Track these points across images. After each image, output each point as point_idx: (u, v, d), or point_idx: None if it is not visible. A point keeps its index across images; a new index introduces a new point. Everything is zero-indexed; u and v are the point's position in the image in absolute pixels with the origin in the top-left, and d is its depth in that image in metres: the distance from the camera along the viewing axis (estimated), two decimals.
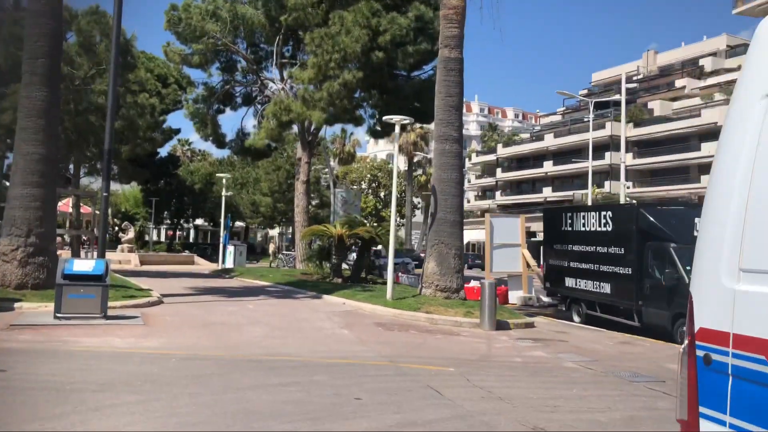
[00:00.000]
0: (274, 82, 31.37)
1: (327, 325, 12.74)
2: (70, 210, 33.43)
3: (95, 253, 15.00)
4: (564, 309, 17.25)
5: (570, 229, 16.90)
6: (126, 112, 24.71)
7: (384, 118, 16.44)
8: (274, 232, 69.26)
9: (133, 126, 25.98)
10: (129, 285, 16.83)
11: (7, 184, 42.74)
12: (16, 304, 12.74)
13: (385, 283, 21.87)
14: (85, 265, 11.38)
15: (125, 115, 24.69)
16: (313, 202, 37.44)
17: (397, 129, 16.51)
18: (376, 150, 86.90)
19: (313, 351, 9.78)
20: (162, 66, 39.57)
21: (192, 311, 13.85)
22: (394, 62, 25.57)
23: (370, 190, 57.02)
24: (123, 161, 31.45)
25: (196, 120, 32.74)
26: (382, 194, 60.00)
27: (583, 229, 16.19)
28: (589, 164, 34.13)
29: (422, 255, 53.53)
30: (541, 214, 21.66)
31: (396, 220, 52.89)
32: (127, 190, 55.96)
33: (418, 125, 46.66)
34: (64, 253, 23.56)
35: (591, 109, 35.50)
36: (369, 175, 59.74)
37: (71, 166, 28.97)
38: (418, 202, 64.18)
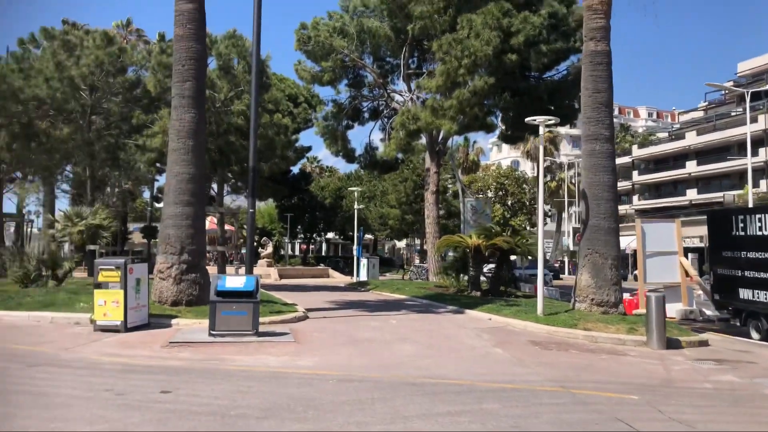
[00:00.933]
0: (400, 94, 31.27)
1: (478, 343, 11.95)
2: (216, 227, 35.18)
3: (241, 269, 15.16)
4: (738, 324, 15.28)
5: (744, 233, 14.93)
6: (264, 131, 25.47)
7: (526, 120, 15.43)
8: (402, 243, 69.43)
9: (272, 145, 26.79)
10: (274, 300, 17.02)
11: (157, 204, 46.16)
12: (173, 321, 13.15)
13: (525, 297, 20.83)
14: (236, 281, 11.43)
15: (264, 134, 25.46)
16: (440, 212, 36.93)
17: (542, 130, 15.44)
18: (500, 157, 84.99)
19: (472, 373, 9.04)
20: (292, 86, 40.89)
21: (337, 327, 13.61)
22: (527, 63, 24.44)
23: (496, 199, 55.50)
24: (262, 179, 32.56)
25: (327, 136, 33.40)
26: (509, 202, 58.24)
27: (762, 233, 14.22)
28: (748, 161, 30.73)
29: (556, 265, 51.48)
30: (690, 218, 19.53)
31: (526, 228, 51.06)
32: (262, 206, 58.55)
33: (546, 129, 44.65)
34: (210, 269, 24.62)
35: (747, 99, 32.04)
36: (495, 183, 58.22)
37: (214, 185, 30.41)
38: (549, 209, 61.67)
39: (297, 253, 66.03)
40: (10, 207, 31.03)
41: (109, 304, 12.21)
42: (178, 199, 14.55)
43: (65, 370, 8.48)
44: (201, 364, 9.07)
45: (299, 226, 56.96)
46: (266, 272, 35.49)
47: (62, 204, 48.25)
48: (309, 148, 46.98)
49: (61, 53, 22.69)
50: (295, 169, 53.31)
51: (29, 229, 31.78)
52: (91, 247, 22.44)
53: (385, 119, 33.83)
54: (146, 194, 47.80)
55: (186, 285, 14.38)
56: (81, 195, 34.12)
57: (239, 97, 24.80)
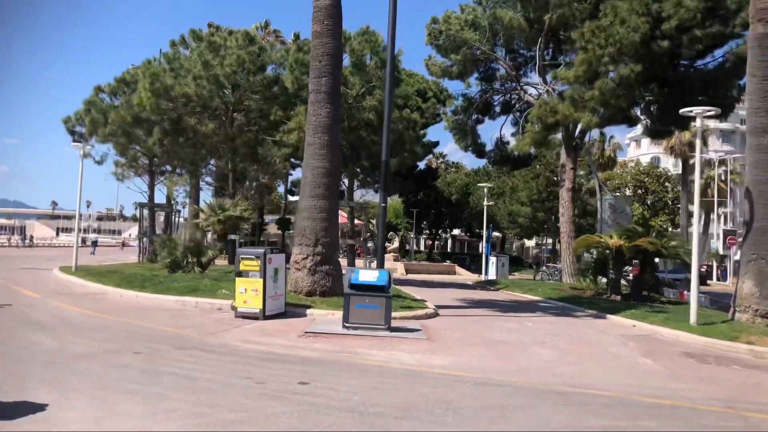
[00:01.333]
0: (534, 87, 30.16)
1: (623, 352, 11.03)
2: (346, 221, 36.01)
3: (372, 263, 15.11)
4: None
5: None
6: (394, 126, 25.51)
7: (681, 111, 14.04)
8: (531, 242, 67.37)
9: (401, 139, 26.83)
10: (403, 295, 16.91)
11: (290, 197, 48.01)
12: (308, 311, 13.38)
13: (670, 303, 19.18)
14: (369, 275, 11.36)
15: (394, 129, 25.50)
16: (575, 211, 35.05)
17: (699, 122, 13.98)
18: (638, 154, 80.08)
19: (621, 385, 8.27)
20: (421, 81, 40.77)
21: (470, 326, 13.19)
22: (677, 51, 22.47)
23: (635, 197, 52.11)
24: (391, 174, 32.75)
25: (456, 131, 33.01)
26: (649, 201, 54.54)
27: None
28: None
29: (703, 270, 47.41)
30: None
31: (668, 230, 47.45)
32: (388, 201, 59.21)
33: (693, 124, 41.13)
34: (341, 262, 25.11)
35: None
36: (634, 181, 54.72)
37: (345, 180, 31.03)
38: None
39: (422, 248, 66.20)
40: (160, 198, 33.44)
41: (249, 292, 12.63)
42: (314, 193, 14.81)
43: (209, 354, 8.78)
44: (336, 356, 9.04)
45: (424, 222, 56.95)
46: (393, 267, 35.78)
47: (206, 196, 51.67)
48: (436, 144, 46.71)
49: (207, 53, 24.11)
50: (422, 165, 53.34)
51: (177, 219, 34.16)
52: (232, 236, 23.66)
53: (518, 113, 32.81)
54: (281, 188, 49.93)
55: (320, 276, 14.62)
56: (222, 188, 36.25)
57: (371, 92, 25.01)
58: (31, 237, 63.55)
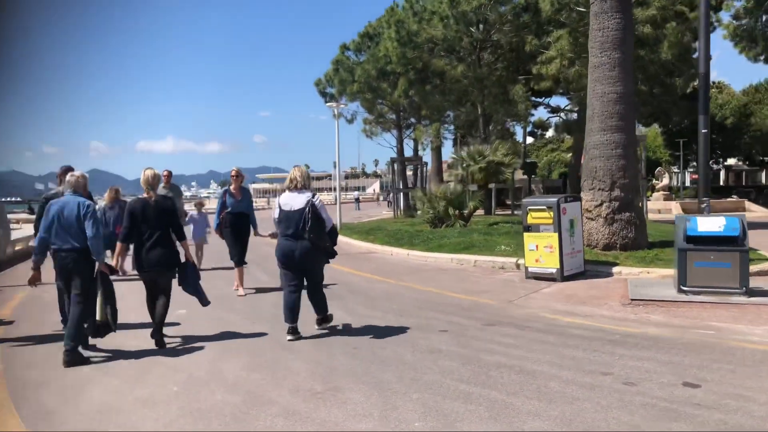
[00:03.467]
0: None
1: None
2: None
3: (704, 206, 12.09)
4: None
5: None
6: (674, 38, 21.25)
7: None
8: None
9: (686, 56, 22.47)
10: None
11: (529, 140, 44.71)
12: (613, 269, 11.04)
13: None
14: (711, 223, 8.60)
15: (674, 42, 21.27)
16: None
17: None
18: None
19: None
20: None
21: None
22: None
23: None
24: (670, 99, 27.58)
25: (739, 39, 27.06)
26: None
27: None
28: None
29: None
30: None
31: None
32: (643, 130, 52.61)
33: None
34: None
35: None
36: None
37: None
38: None
39: (688, 184, 58.35)
40: (407, 152, 33.14)
41: (541, 249, 10.71)
42: (605, 125, 12.20)
43: (526, 333, 7.02)
44: (694, 336, 6.66)
45: (689, 154, 49.64)
46: (665, 206, 31.22)
47: (445, 150, 50.91)
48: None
49: None
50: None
51: (425, 171, 33.64)
52: (490, 185, 21.96)
53: None
54: (519, 133, 47.02)
55: (619, 226, 12.10)
56: (464, 135, 34.68)
57: (646, 1, 21.03)
58: None
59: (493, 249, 13.71)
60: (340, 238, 19.02)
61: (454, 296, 9.48)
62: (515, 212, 25.14)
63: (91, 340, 6.67)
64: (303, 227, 6.60)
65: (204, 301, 7.01)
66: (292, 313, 6.85)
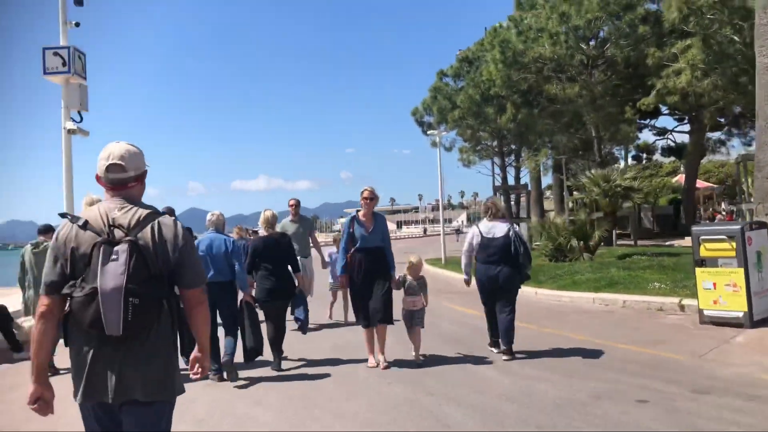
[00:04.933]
0: None
1: None
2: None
3: None
4: None
5: None
6: None
7: None
8: None
9: None
10: None
11: (630, 163, 41.65)
12: None
13: None
14: None
15: None
16: None
17: None
18: None
19: None
20: None
21: None
22: None
23: None
24: None
25: None
26: None
27: None
28: None
29: None
30: None
31: None
32: None
33: None
34: None
35: None
36: None
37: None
38: None
39: None
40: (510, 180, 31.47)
41: (720, 288, 8.82)
42: None
43: (757, 405, 5.26)
44: None
45: None
46: None
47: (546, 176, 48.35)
48: None
49: (562, 4, 20.52)
50: None
51: (528, 200, 31.73)
52: (619, 213, 19.89)
53: None
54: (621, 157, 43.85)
55: None
56: (570, 159, 32.48)
57: None
58: None
59: (641, 287, 11.81)
60: (454, 276, 17.61)
61: (623, 348, 7.77)
62: (638, 242, 22.77)
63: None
64: (515, 252, 7.17)
65: (304, 330, 7.49)
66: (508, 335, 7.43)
